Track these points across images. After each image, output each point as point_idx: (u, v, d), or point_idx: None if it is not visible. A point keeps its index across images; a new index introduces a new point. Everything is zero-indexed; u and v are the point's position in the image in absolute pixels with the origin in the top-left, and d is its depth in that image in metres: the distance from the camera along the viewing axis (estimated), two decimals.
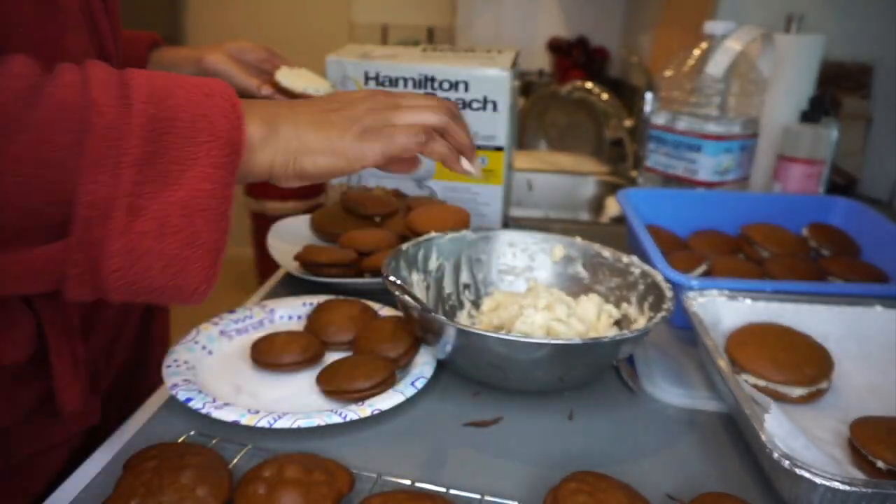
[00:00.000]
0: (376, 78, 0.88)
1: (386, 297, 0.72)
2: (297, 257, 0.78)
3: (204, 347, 0.62)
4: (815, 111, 0.99)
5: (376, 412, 0.53)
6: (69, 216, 0.34)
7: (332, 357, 0.63)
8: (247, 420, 0.50)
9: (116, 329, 0.63)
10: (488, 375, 0.57)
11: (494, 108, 0.87)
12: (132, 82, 0.36)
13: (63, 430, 0.55)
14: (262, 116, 0.43)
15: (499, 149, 0.90)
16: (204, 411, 0.51)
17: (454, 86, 0.87)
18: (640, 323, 0.64)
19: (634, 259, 0.68)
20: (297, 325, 0.69)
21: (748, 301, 0.65)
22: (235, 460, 0.49)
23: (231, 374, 0.60)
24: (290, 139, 0.44)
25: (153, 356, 0.69)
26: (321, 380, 0.58)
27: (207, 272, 0.39)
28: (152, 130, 0.35)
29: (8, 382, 0.49)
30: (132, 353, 0.68)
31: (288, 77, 0.75)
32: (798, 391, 0.58)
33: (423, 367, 0.60)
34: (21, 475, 0.53)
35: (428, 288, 0.70)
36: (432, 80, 0.87)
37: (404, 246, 0.68)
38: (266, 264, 2.65)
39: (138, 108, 0.35)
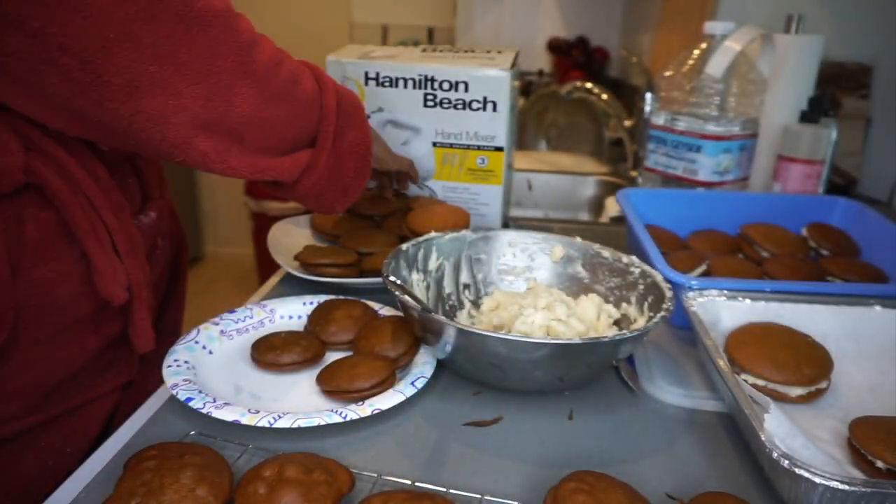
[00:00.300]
0: (376, 78, 0.88)
1: (386, 297, 0.72)
2: (298, 257, 0.78)
3: (204, 347, 0.62)
4: (815, 111, 0.99)
5: (376, 412, 0.53)
6: (314, 138, 0.62)
7: (332, 357, 0.63)
8: (247, 420, 0.50)
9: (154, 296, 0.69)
10: (488, 375, 0.58)
11: (494, 108, 0.87)
12: (325, 77, 0.64)
13: (111, 381, 0.63)
14: None
15: (499, 149, 0.90)
16: (204, 411, 0.51)
17: (454, 86, 0.87)
18: (640, 323, 0.64)
19: (634, 259, 0.68)
20: (297, 325, 0.69)
21: (748, 301, 0.65)
22: (236, 460, 0.49)
23: (231, 374, 0.60)
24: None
25: (174, 326, 0.77)
26: (321, 380, 0.58)
27: (361, 189, 0.68)
28: (339, 102, 0.63)
29: (84, 332, 0.58)
30: (156, 323, 0.72)
31: None
32: (797, 391, 0.58)
33: (423, 366, 0.60)
34: (82, 417, 0.61)
35: (428, 288, 0.70)
36: (432, 80, 0.87)
37: (404, 246, 0.68)
38: (266, 264, 2.65)
39: (335, 91, 0.63)
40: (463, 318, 0.71)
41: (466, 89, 0.87)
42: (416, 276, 0.68)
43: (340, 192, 0.66)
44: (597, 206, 1.47)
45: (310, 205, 0.67)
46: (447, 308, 0.71)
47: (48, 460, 0.58)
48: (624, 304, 0.67)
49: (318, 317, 0.67)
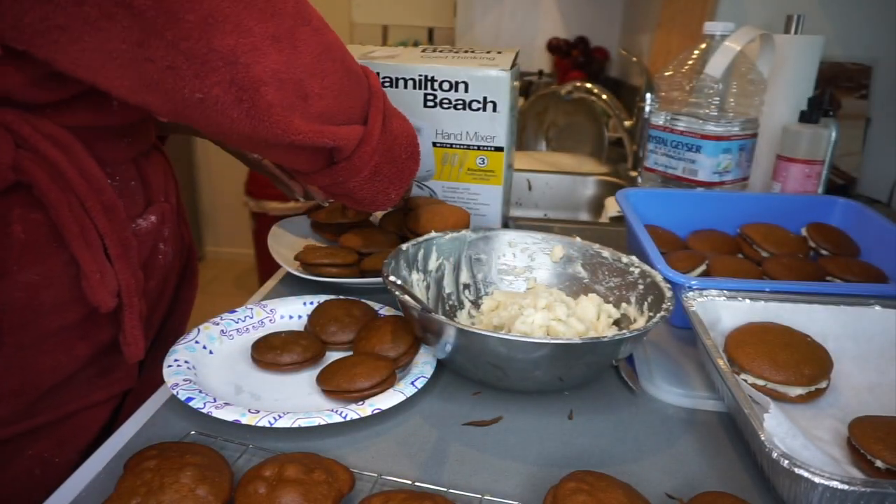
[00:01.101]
0: None
1: (386, 297, 0.73)
2: (298, 257, 0.78)
3: (205, 347, 0.62)
4: (814, 111, 0.99)
5: (376, 412, 0.53)
6: (365, 116, 0.61)
7: (332, 357, 0.63)
8: (247, 420, 0.50)
9: (153, 303, 0.68)
10: (488, 375, 0.58)
11: (494, 108, 0.87)
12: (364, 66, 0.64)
13: (105, 390, 0.62)
14: None
15: (499, 149, 0.90)
16: (205, 411, 0.51)
17: (454, 86, 0.87)
18: (640, 323, 0.64)
19: (634, 259, 0.68)
20: (298, 325, 0.69)
21: (747, 301, 0.65)
22: (236, 460, 0.49)
23: (232, 374, 0.60)
24: None
25: (177, 333, 0.76)
26: (321, 380, 0.58)
27: (413, 175, 0.69)
28: (386, 104, 0.64)
29: (71, 339, 0.57)
30: (159, 329, 0.72)
31: None
32: (797, 391, 0.58)
33: (423, 366, 0.60)
34: (73, 426, 0.60)
35: (428, 288, 0.70)
36: (432, 80, 0.87)
37: (404, 246, 0.68)
38: (266, 264, 2.65)
39: (381, 91, 0.64)
40: (463, 318, 0.71)
41: (466, 89, 0.87)
42: (416, 276, 0.69)
43: (396, 172, 0.66)
44: (597, 206, 1.47)
45: (365, 190, 0.65)
46: (447, 308, 0.71)
47: (35, 469, 0.57)
48: (624, 304, 0.67)
49: (318, 317, 0.67)
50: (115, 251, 0.55)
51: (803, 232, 0.87)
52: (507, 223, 0.99)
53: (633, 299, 0.67)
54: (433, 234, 0.71)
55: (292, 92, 0.52)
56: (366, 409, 0.53)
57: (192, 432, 0.52)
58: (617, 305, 0.68)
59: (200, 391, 0.54)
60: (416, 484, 0.48)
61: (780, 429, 0.48)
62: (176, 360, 0.58)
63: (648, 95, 1.41)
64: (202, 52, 0.47)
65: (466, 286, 0.73)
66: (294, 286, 0.79)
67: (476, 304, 0.73)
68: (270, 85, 0.50)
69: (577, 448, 0.53)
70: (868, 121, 1.31)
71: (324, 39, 0.55)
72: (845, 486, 0.42)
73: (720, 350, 0.59)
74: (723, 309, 0.65)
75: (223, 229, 3.28)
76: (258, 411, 0.51)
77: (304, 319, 0.69)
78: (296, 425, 0.51)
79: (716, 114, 0.98)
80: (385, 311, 0.69)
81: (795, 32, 1.07)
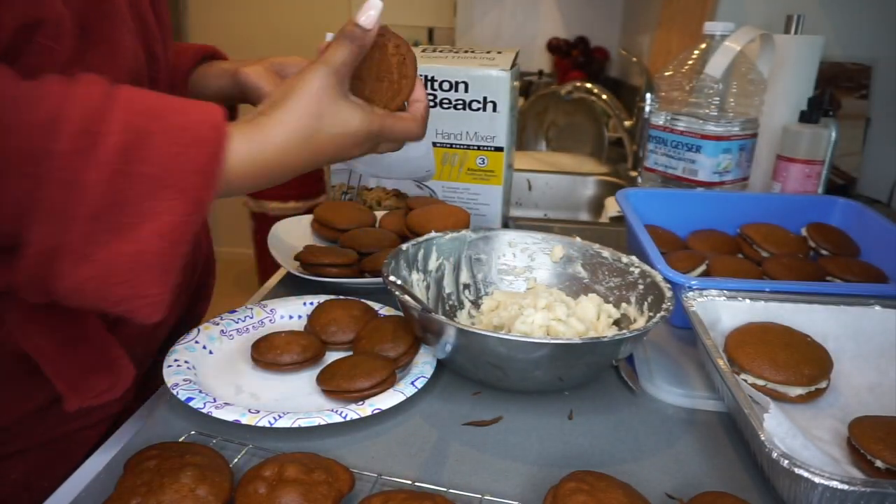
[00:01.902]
0: None
1: (386, 297, 0.73)
2: (298, 257, 0.78)
3: (205, 347, 0.62)
4: (814, 111, 0.99)
5: (376, 412, 0.53)
6: (18, 246, 0.34)
7: (332, 357, 0.63)
8: (247, 420, 0.50)
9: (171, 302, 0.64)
10: (488, 375, 0.58)
11: (494, 108, 0.87)
12: (108, 129, 0.35)
13: (105, 408, 0.58)
14: (252, 161, 0.44)
15: (499, 149, 0.90)
16: (204, 411, 0.51)
17: (454, 86, 0.87)
18: (640, 323, 0.64)
19: (634, 259, 0.68)
20: (298, 325, 0.69)
21: (747, 301, 0.65)
22: (236, 460, 0.49)
23: (231, 374, 0.60)
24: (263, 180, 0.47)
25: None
26: (321, 379, 0.58)
27: (150, 318, 0.39)
28: (114, 184, 0.35)
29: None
30: (176, 326, 0.71)
31: None
32: (797, 391, 0.58)
33: (423, 366, 0.60)
34: (69, 444, 0.57)
35: (428, 288, 0.70)
36: (432, 80, 0.87)
37: (404, 246, 0.68)
38: (266, 264, 2.65)
39: (105, 158, 0.34)
40: (463, 318, 0.71)
41: (466, 89, 0.87)
42: (416, 276, 0.69)
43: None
44: (597, 206, 1.47)
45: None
46: (447, 308, 0.71)
47: (29, 482, 0.55)
48: (624, 304, 0.67)
49: (318, 317, 0.67)
50: None
51: (803, 232, 0.87)
52: (507, 223, 0.99)
53: (633, 299, 0.67)
54: (433, 234, 0.71)
55: None
56: (366, 409, 0.53)
57: (192, 432, 0.52)
58: (617, 305, 0.68)
59: (200, 391, 0.53)
60: (416, 484, 0.48)
61: (780, 429, 0.48)
62: (176, 360, 0.58)
63: (648, 95, 1.41)
64: None
65: (466, 286, 0.73)
66: (294, 286, 0.78)
67: (476, 304, 0.73)
68: None
69: (577, 448, 0.53)
70: (868, 121, 1.31)
71: None
72: (845, 486, 0.42)
73: (720, 350, 0.59)
74: (723, 309, 0.65)
75: (223, 229, 3.28)
76: (258, 411, 0.51)
77: (304, 319, 0.69)
78: (296, 425, 0.51)
79: (716, 114, 0.98)
80: (385, 311, 0.69)
81: (795, 32, 1.07)
